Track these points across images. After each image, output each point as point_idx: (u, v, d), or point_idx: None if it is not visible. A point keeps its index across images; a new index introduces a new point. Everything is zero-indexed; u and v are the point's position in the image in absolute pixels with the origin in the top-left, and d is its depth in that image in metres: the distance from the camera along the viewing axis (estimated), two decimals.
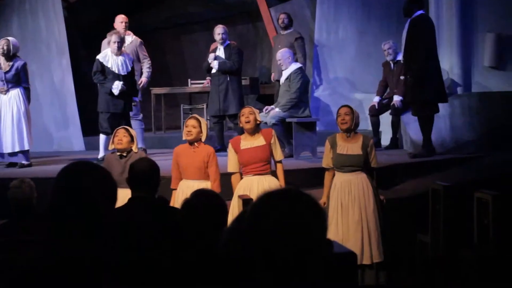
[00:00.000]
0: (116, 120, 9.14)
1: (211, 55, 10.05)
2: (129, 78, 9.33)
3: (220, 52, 10.14)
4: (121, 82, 9.09)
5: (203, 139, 6.71)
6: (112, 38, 9.25)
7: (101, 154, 9.31)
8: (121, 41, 9.32)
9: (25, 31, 11.94)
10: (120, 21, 10.21)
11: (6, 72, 8.96)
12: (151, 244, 3.39)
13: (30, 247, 3.35)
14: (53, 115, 11.83)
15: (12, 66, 8.98)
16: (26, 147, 9.11)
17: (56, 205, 2.52)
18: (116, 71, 9.19)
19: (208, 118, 11.06)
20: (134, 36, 10.21)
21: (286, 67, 9.48)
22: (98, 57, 9.33)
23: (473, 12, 10.35)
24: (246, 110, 6.81)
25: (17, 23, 12.15)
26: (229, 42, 10.32)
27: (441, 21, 10.36)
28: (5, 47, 8.94)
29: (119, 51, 9.26)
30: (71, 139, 11.78)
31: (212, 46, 10.51)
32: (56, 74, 11.93)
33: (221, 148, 9.83)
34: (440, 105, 9.60)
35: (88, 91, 12.82)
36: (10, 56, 8.99)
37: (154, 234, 3.69)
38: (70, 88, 11.93)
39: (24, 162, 9.11)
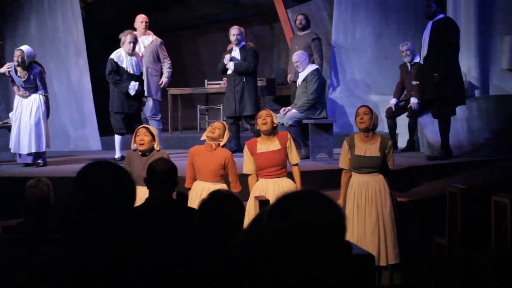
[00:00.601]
0: (130, 121, 9.21)
1: (227, 56, 10.04)
2: (141, 79, 9.39)
3: (236, 53, 10.13)
4: (137, 83, 9.11)
5: (221, 144, 6.71)
6: (127, 38, 9.20)
7: (117, 154, 9.35)
8: (136, 41, 9.32)
9: (43, 30, 12.02)
10: (140, 20, 10.23)
11: (24, 81, 9.07)
12: (168, 244, 3.39)
13: (47, 245, 3.36)
14: (70, 115, 11.88)
15: (29, 75, 9.07)
16: (43, 149, 9.15)
17: (74, 204, 2.53)
18: (131, 71, 9.21)
19: (224, 119, 11.03)
20: (154, 36, 10.21)
21: (303, 69, 9.49)
22: (112, 56, 9.29)
23: (491, 15, 10.31)
24: (263, 113, 6.79)
25: (35, 23, 12.22)
26: (244, 43, 10.29)
27: (459, 23, 10.30)
28: (19, 59, 9.01)
29: (133, 51, 9.28)
30: (88, 138, 11.83)
31: (229, 47, 10.51)
32: (74, 74, 11.99)
33: (237, 149, 9.86)
34: (458, 107, 9.57)
35: (105, 91, 12.89)
36: (25, 66, 9.05)
37: (171, 234, 3.70)
38: (87, 88, 11.98)
39: (40, 161, 9.16)
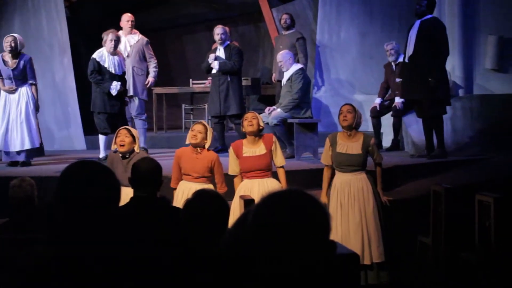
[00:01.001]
0: (113, 120, 9.20)
1: (211, 56, 10.05)
2: (123, 79, 9.34)
3: (220, 53, 10.12)
4: (119, 83, 9.08)
5: (206, 146, 6.69)
6: (109, 36, 9.16)
7: (101, 154, 9.33)
8: (118, 40, 9.29)
9: (27, 29, 11.95)
10: (126, 19, 10.20)
11: (13, 69, 8.93)
12: (153, 243, 3.38)
13: (31, 245, 3.35)
14: (55, 114, 11.82)
15: (19, 62, 8.96)
16: (37, 144, 9.08)
17: (59, 204, 2.52)
18: (113, 71, 9.17)
19: (209, 119, 11.05)
20: (140, 35, 10.17)
21: (287, 69, 9.49)
22: (94, 56, 9.26)
23: (475, 15, 10.36)
24: (249, 115, 6.80)
25: (19, 22, 12.15)
26: (229, 42, 10.32)
27: (444, 21, 10.38)
28: (12, 44, 8.90)
29: (115, 50, 9.24)
30: (72, 138, 11.78)
31: (213, 47, 10.51)
32: (58, 73, 11.94)
33: (222, 148, 9.88)
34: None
35: (89, 90, 12.85)
36: (17, 53, 8.96)
37: (156, 233, 3.69)
38: (71, 87, 11.93)
39: (26, 160, 9.05)
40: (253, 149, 6.67)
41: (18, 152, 9.00)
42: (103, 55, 9.15)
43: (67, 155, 10.43)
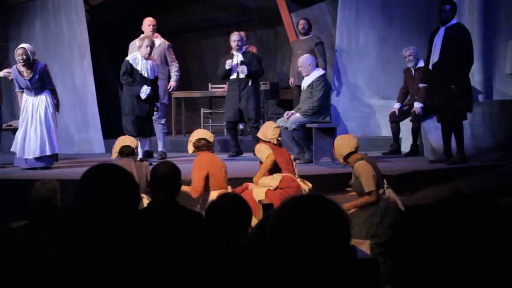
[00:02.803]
0: (140, 123, 9.28)
1: (228, 61, 10.09)
2: (155, 83, 9.39)
3: (239, 59, 10.17)
4: (149, 87, 9.13)
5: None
6: (144, 42, 9.28)
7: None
8: (153, 46, 9.40)
9: (47, 33, 12.04)
10: (148, 23, 10.28)
11: (30, 80, 8.97)
12: (173, 246, 3.40)
13: (51, 246, 3.36)
14: (74, 117, 11.90)
15: (34, 72, 8.98)
16: (57, 150, 9.11)
17: (79, 207, 2.54)
18: (145, 75, 9.25)
19: (223, 123, 11.15)
20: (162, 39, 10.27)
21: (307, 74, 9.45)
22: (127, 58, 9.37)
23: (494, 20, 10.31)
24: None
25: (39, 25, 12.26)
26: (244, 49, 10.41)
27: None
28: (24, 56, 8.85)
29: (150, 55, 9.33)
30: (91, 141, 11.84)
31: (230, 52, 10.58)
32: (78, 76, 12.01)
33: (238, 152, 10.06)
34: None
35: (109, 94, 12.95)
36: (30, 63, 8.99)
37: (176, 236, 3.71)
38: (91, 91, 11.99)
39: (45, 166, 9.11)
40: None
41: (37, 159, 9.02)
42: (136, 58, 9.25)
43: (87, 158, 10.48)
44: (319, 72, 9.56)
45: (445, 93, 8.58)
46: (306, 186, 6.88)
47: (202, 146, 7.00)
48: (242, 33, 11.05)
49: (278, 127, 7.36)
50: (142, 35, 9.82)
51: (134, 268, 2.48)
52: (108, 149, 11.61)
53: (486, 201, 6.20)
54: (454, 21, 8.80)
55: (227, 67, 10.07)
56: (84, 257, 2.42)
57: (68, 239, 2.57)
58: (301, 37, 11.52)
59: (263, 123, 11.17)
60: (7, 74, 9.27)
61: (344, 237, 1.92)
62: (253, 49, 12.19)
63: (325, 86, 9.42)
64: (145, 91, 9.08)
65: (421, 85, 9.44)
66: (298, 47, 11.37)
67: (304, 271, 1.88)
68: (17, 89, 9.20)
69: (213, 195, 6.48)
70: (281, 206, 1.98)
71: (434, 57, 8.77)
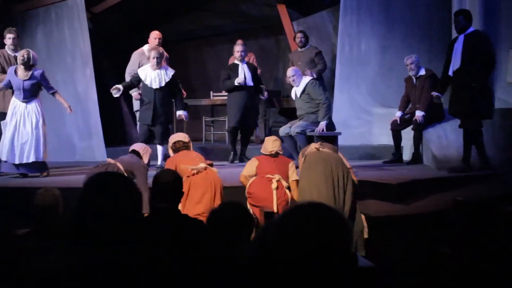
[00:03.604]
0: (148, 132, 9.63)
1: (240, 79, 10.38)
2: (163, 91, 9.57)
3: (244, 69, 10.50)
4: (118, 89, 9.52)
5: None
6: (151, 53, 9.61)
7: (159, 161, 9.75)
8: (160, 56, 9.59)
9: (50, 41, 12.07)
10: (154, 37, 10.61)
11: (25, 80, 9.02)
12: (175, 254, 3.41)
13: (52, 253, 3.37)
14: (76, 125, 11.90)
15: (32, 75, 9.04)
16: (42, 158, 9.14)
17: (81, 215, 2.55)
18: (149, 85, 9.53)
19: (227, 129, 11.25)
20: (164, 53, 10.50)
21: (299, 83, 9.60)
22: (138, 70, 9.76)
23: (495, 29, 10.31)
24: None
25: (42, 33, 12.28)
26: (246, 60, 10.81)
27: None
28: (25, 56, 8.97)
29: (158, 65, 9.54)
30: (93, 149, 11.83)
31: (230, 61, 10.80)
32: (80, 84, 12.02)
33: (236, 155, 10.33)
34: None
35: (111, 102, 12.94)
36: (29, 65, 9.05)
37: (178, 244, 3.72)
38: (93, 98, 12.00)
39: (45, 172, 9.16)
40: None
41: (27, 165, 9.06)
42: (144, 70, 9.65)
43: (89, 166, 10.48)
44: (307, 78, 9.81)
45: (467, 98, 8.64)
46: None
47: (180, 147, 7.63)
48: (240, 41, 11.51)
49: (278, 140, 7.74)
50: (149, 47, 10.28)
51: (136, 276, 2.49)
52: (111, 157, 11.61)
53: (488, 209, 6.22)
54: (472, 29, 8.92)
55: (236, 83, 10.37)
56: (86, 265, 2.42)
57: (71, 247, 2.58)
58: (299, 49, 11.65)
59: (264, 132, 11.47)
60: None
61: (346, 245, 1.94)
62: (252, 56, 12.32)
63: (320, 84, 9.86)
64: (117, 90, 9.49)
65: (434, 93, 9.42)
66: (298, 58, 11.54)
67: (305, 279, 1.89)
68: (2, 85, 9.20)
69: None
70: (283, 214, 1.99)
71: (456, 64, 8.86)
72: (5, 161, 9.10)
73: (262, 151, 7.72)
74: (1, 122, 9.27)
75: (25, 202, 5.59)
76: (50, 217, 5.00)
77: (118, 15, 13.99)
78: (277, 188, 7.13)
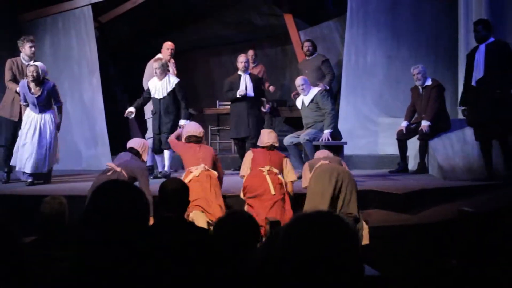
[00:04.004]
0: (158, 142, 9.96)
1: (241, 91, 10.50)
2: (167, 100, 9.75)
3: (247, 79, 10.62)
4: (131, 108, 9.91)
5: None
6: (153, 65, 9.90)
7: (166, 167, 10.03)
8: (161, 67, 9.76)
9: (57, 49, 12.12)
10: (167, 47, 10.82)
11: (37, 97, 9.10)
12: (182, 263, 3.42)
13: (59, 263, 3.38)
14: (83, 134, 11.93)
15: (43, 90, 9.12)
16: (46, 170, 9.20)
17: (88, 223, 2.56)
18: (154, 95, 9.83)
19: (233, 140, 11.33)
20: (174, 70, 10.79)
21: (308, 92, 9.62)
22: (148, 83, 10.05)
23: (502, 37, 10.29)
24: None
25: (49, 42, 12.33)
26: (250, 71, 11.00)
27: (470, 46, 10.37)
28: (34, 74, 9.04)
29: (162, 75, 9.74)
30: (100, 157, 11.84)
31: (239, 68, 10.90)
32: (87, 93, 12.06)
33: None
34: (469, 131, 9.56)
35: (117, 110, 12.97)
36: (40, 81, 9.13)
37: (184, 253, 3.72)
38: (99, 107, 12.05)
39: (32, 180, 9.20)
40: None
41: (31, 175, 9.11)
42: (153, 82, 9.91)
43: (95, 174, 10.49)
44: (316, 88, 9.91)
45: (490, 107, 8.65)
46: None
47: (192, 141, 7.92)
48: (251, 52, 11.65)
49: (273, 132, 8.08)
50: (154, 58, 10.50)
51: (143, 284, 2.49)
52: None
53: (494, 220, 6.21)
54: (492, 39, 8.96)
55: (238, 95, 10.52)
56: (92, 273, 2.43)
57: (77, 255, 2.59)
58: (307, 58, 11.75)
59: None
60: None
61: (353, 254, 1.94)
62: (262, 68, 12.36)
63: (329, 95, 9.88)
64: (130, 115, 10.04)
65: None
66: (305, 67, 11.63)
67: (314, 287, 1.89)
68: (22, 102, 9.33)
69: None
70: (290, 223, 2.00)
71: (478, 74, 8.89)
72: (23, 172, 9.16)
73: (258, 143, 8.07)
74: (19, 132, 9.35)
75: (31, 210, 5.61)
76: (56, 226, 5.01)
77: (125, 24, 14.04)
78: (268, 174, 7.41)
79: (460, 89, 10.57)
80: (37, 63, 9.26)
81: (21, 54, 9.71)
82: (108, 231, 2.48)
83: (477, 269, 6.05)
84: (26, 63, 9.58)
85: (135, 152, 7.69)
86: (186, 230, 4.27)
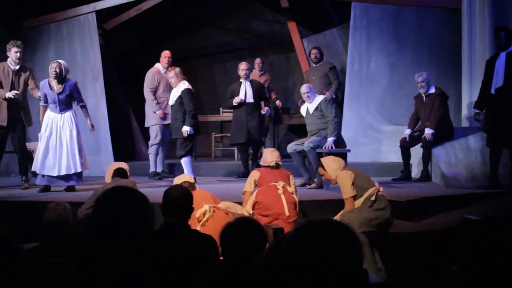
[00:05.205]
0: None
1: (238, 99, 10.72)
2: (175, 107, 9.90)
3: (247, 86, 10.82)
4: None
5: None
6: (169, 74, 10.17)
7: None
8: (175, 75, 9.92)
9: (61, 56, 12.12)
10: (164, 56, 11.11)
11: (59, 94, 9.12)
12: (185, 269, 3.42)
13: (63, 269, 3.39)
14: (86, 140, 11.88)
15: (64, 87, 9.15)
16: (79, 169, 9.20)
17: (93, 229, 2.57)
18: (170, 104, 10.15)
19: (235, 146, 11.44)
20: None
21: (313, 99, 9.60)
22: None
23: None
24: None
25: (54, 49, 12.38)
26: (251, 78, 11.17)
27: (474, 52, 10.40)
28: (57, 70, 9.08)
29: (176, 83, 9.88)
30: (103, 164, 11.87)
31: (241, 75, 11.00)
32: (90, 100, 12.07)
33: (247, 173, 10.39)
34: (472, 138, 9.56)
35: (120, 117, 12.99)
36: (62, 78, 9.15)
37: (188, 260, 3.72)
38: (103, 114, 12.08)
39: (75, 183, 9.24)
40: None
41: (63, 177, 9.12)
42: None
43: (98, 181, 10.52)
44: (321, 96, 9.92)
45: (510, 117, 8.66)
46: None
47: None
48: (258, 60, 11.89)
49: (276, 150, 7.97)
50: (161, 66, 11.05)
51: None
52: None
53: (496, 228, 6.19)
54: None
55: (234, 103, 10.74)
56: (96, 279, 2.43)
57: (81, 262, 2.59)
58: (313, 65, 11.85)
59: (272, 145, 11.63)
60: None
61: (357, 260, 1.94)
62: (268, 77, 12.45)
63: (334, 103, 9.83)
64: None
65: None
66: (312, 73, 11.75)
67: None
68: (41, 103, 9.36)
69: None
70: (295, 230, 2.00)
71: (497, 82, 8.87)
72: (42, 175, 9.16)
73: (261, 163, 7.96)
74: (38, 134, 9.38)
75: (35, 217, 5.62)
76: (59, 232, 5.02)
77: (129, 32, 14.07)
78: (283, 193, 7.20)
79: (464, 96, 10.60)
80: (59, 60, 9.35)
81: (8, 58, 9.72)
82: (112, 237, 2.49)
83: (479, 276, 6.05)
84: (13, 68, 9.60)
85: (122, 174, 7.56)
86: (189, 236, 4.28)
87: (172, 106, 9.99)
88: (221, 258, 3.43)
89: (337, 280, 1.90)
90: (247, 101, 10.75)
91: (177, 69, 10.04)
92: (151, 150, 10.85)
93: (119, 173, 7.47)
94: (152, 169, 10.83)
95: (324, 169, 7.13)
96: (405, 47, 11.81)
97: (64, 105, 9.19)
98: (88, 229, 2.63)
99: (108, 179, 7.48)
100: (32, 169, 9.36)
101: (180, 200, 4.48)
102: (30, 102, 10.07)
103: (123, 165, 7.66)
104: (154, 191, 7.43)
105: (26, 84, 9.73)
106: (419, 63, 11.45)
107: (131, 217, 2.53)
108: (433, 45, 11.63)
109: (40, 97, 9.36)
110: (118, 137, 12.51)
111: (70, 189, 9.22)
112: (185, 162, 9.91)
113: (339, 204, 7.91)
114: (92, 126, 9.52)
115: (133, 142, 13.46)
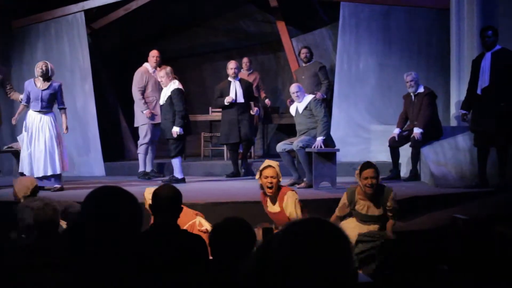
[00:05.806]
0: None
1: (229, 98, 10.74)
2: (165, 107, 10.00)
3: (237, 85, 10.87)
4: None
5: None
6: (159, 74, 10.17)
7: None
8: (165, 75, 9.99)
9: (49, 56, 12.09)
10: (152, 55, 11.10)
11: (43, 90, 9.17)
12: (175, 269, 3.41)
13: (52, 270, 3.37)
14: (75, 140, 11.91)
15: (50, 85, 9.22)
16: (58, 171, 9.21)
17: (81, 229, 2.56)
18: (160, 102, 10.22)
19: (225, 146, 11.47)
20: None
21: (302, 99, 9.60)
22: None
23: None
24: (270, 172, 6.69)
25: (42, 48, 12.33)
26: (240, 77, 11.18)
27: (462, 50, 10.43)
28: (43, 68, 9.25)
29: (166, 83, 9.99)
30: (92, 164, 11.87)
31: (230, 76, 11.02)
32: (79, 100, 12.06)
33: (236, 173, 10.44)
34: (461, 138, 9.59)
35: (110, 117, 12.96)
36: (47, 77, 9.25)
37: (177, 259, 3.72)
38: (92, 114, 12.05)
39: (57, 185, 9.23)
40: (272, 207, 6.83)
41: (42, 178, 9.12)
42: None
43: (87, 180, 10.51)
44: (311, 95, 9.89)
45: (496, 115, 8.68)
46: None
47: None
48: (246, 59, 11.83)
49: (267, 167, 6.81)
50: (150, 65, 11.01)
51: None
52: (109, 172, 11.69)
53: (485, 227, 6.21)
54: (498, 46, 9.01)
55: (226, 103, 10.75)
56: (85, 281, 2.43)
57: (70, 262, 2.58)
58: (303, 65, 11.86)
59: (262, 148, 11.60)
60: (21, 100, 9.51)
61: (347, 260, 1.94)
62: (257, 76, 12.46)
63: (323, 103, 9.87)
64: None
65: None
66: (302, 73, 11.76)
67: None
68: (23, 102, 9.46)
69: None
70: (284, 229, 2.00)
71: (483, 82, 8.92)
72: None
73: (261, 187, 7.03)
74: (18, 136, 9.40)
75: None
76: (48, 232, 5.00)
77: (118, 31, 14.04)
78: None
79: (453, 96, 10.62)
80: (47, 61, 9.52)
81: None
82: (101, 237, 2.48)
83: (468, 275, 6.06)
84: None
85: None
86: (179, 236, 4.27)
87: (162, 106, 10.03)
88: (210, 258, 3.42)
89: (326, 279, 1.89)
90: (237, 101, 10.78)
91: (168, 68, 10.02)
92: (141, 150, 10.80)
93: (33, 192, 6.65)
94: (141, 169, 10.81)
95: None
96: (394, 46, 11.83)
97: (46, 103, 9.26)
98: (76, 228, 2.62)
99: (20, 195, 6.58)
100: (20, 170, 9.34)
101: (169, 200, 4.47)
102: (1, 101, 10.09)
103: (32, 181, 6.88)
104: (141, 191, 7.39)
105: None
106: (408, 62, 11.47)
107: (119, 217, 2.52)
108: (422, 44, 11.66)
109: (21, 99, 9.40)
110: (107, 137, 12.48)
111: (59, 189, 9.19)
112: (174, 162, 9.93)
113: (328, 203, 7.94)
114: (67, 128, 9.54)
115: (122, 141, 13.44)
